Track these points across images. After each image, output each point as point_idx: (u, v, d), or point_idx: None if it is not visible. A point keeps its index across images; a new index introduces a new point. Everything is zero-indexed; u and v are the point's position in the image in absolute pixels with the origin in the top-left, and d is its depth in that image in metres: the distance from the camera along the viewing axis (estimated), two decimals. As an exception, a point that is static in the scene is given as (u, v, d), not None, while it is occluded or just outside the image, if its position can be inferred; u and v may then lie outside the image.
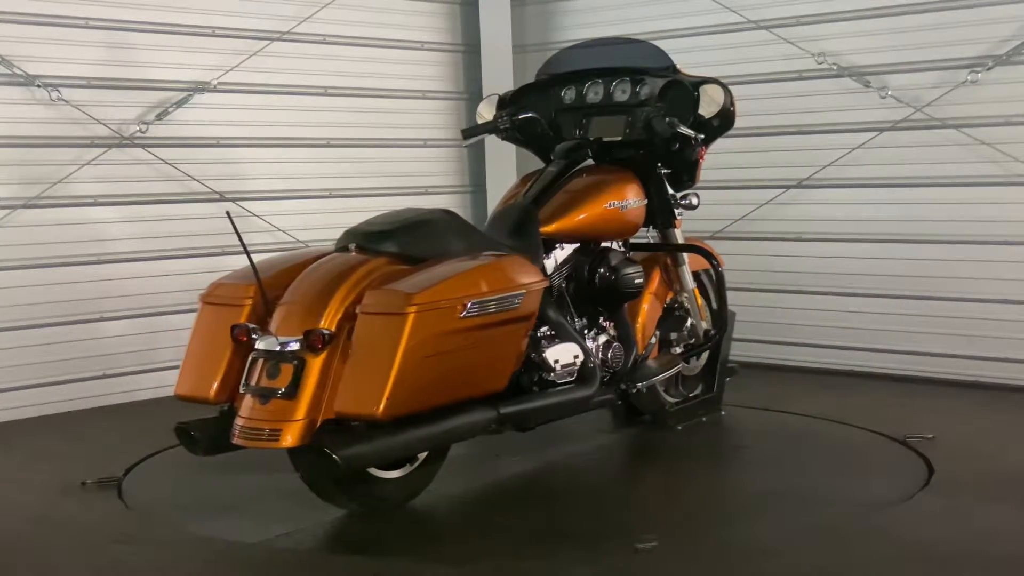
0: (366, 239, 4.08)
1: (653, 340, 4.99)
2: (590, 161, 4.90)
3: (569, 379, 4.34)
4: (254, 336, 3.81)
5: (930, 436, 4.90)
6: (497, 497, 4.49)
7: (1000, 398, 5.82)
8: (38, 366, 5.93)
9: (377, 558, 3.83)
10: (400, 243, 4.04)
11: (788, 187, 6.67)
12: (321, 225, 6.97)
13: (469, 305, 3.79)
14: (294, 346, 3.71)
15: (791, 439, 5.18)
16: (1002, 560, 3.63)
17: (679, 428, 5.14)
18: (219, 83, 6.52)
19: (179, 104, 6.38)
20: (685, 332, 5.16)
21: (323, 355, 3.70)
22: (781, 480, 4.51)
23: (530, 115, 5.01)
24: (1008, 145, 5.90)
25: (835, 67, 6.43)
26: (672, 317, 5.15)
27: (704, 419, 5.29)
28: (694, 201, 5.10)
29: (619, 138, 4.97)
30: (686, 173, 5.06)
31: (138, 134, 6.24)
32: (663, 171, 5.02)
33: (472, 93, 7.62)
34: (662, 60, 5.07)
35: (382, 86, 7.25)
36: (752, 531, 3.99)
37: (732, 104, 4.94)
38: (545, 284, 4.20)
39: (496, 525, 4.14)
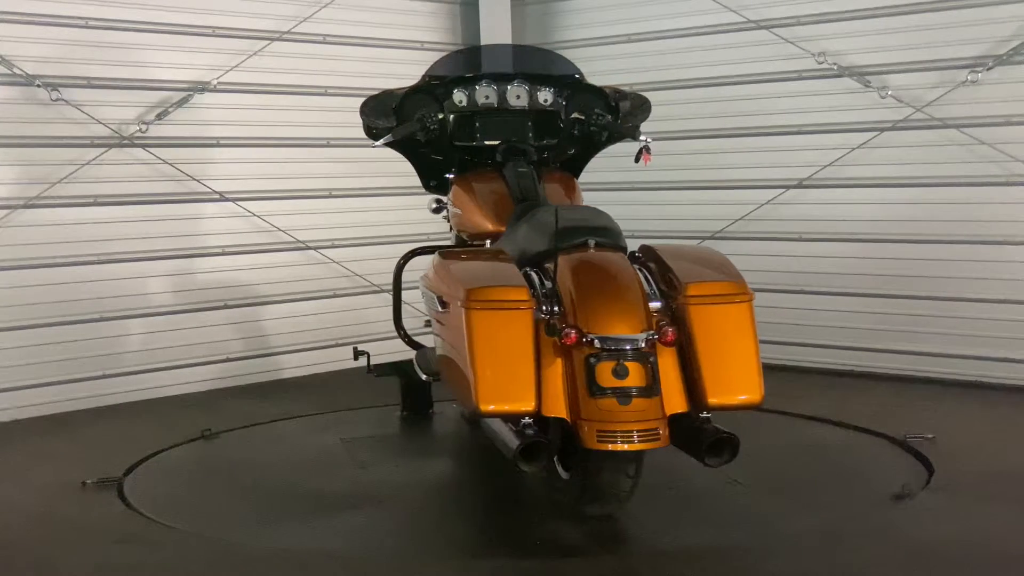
0: (601, 235, 4.02)
1: None
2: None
3: None
4: (586, 337, 3.63)
5: (930, 436, 4.89)
6: (497, 497, 4.49)
7: (1000, 398, 5.82)
8: (38, 366, 5.93)
9: (377, 558, 3.83)
10: (619, 238, 4.07)
11: (788, 187, 6.67)
12: (321, 225, 6.99)
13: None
14: (643, 344, 3.63)
15: (791, 439, 5.17)
16: (1002, 559, 3.63)
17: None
18: (219, 83, 6.51)
19: (179, 104, 6.38)
20: None
21: (668, 349, 3.68)
22: (781, 480, 4.51)
23: (442, 116, 4.94)
24: (1008, 145, 5.91)
25: (835, 67, 6.43)
26: None
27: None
28: None
29: (518, 140, 4.96)
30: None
31: (138, 134, 6.24)
32: None
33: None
34: (567, 68, 5.11)
35: (382, 86, 7.23)
36: (752, 531, 3.99)
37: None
38: None
39: (496, 525, 4.14)
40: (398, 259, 5.23)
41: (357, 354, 5.45)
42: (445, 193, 5.14)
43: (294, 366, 6.82)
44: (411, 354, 5.25)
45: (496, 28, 7.63)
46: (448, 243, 5.27)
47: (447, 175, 5.09)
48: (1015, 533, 3.88)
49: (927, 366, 6.23)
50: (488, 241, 4.67)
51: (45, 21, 5.94)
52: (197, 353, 6.50)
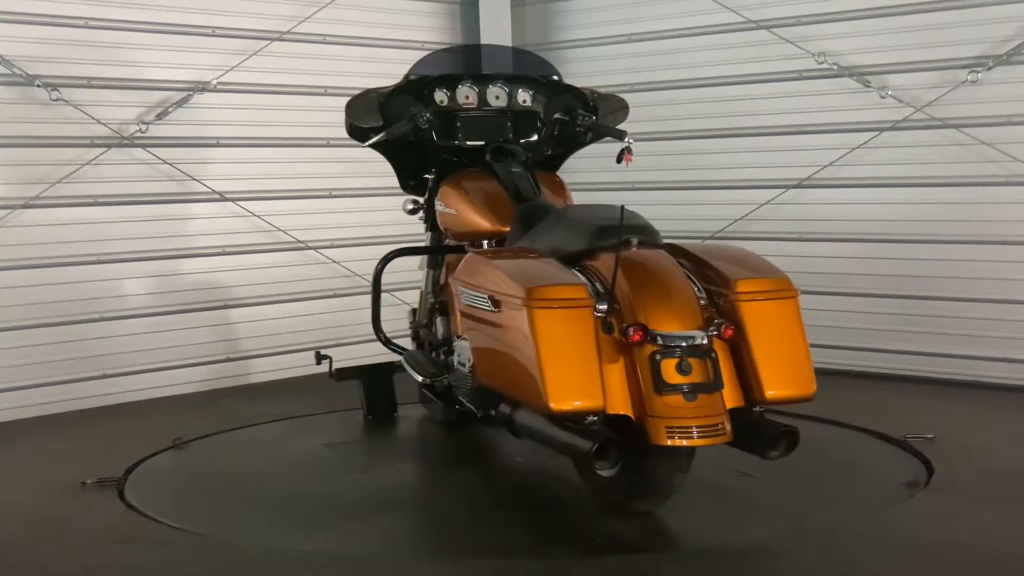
0: (641, 233, 4.02)
1: None
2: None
3: None
4: (650, 335, 3.63)
5: (930, 436, 4.89)
6: (499, 497, 4.49)
7: (1000, 398, 5.83)
8: (38, 366, 5.93)
9: (377, 558, 3.83)
10: (658, 236, 4.09)
11: (788, 187, 6.68)
12: (321, 225, 6.99)
13: None
14: (705, 340, 3.65)
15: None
16: (1002, 559, 3.63)
17: None
18: (219, 83, 6.52)
19: (179, 104, 6.38)
20: None
21: (721, 345, 3.71)
22: (781, 481, 4.50)
23: (429, 115, 4.95)
24: (1008, 145, 5.91)
25: (835, 67, 6.44)
26: None
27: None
28: None
29: (503, 141, 4.99)
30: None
31: (138, 134, 6.24)
32: None
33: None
34: (546, 69, 5.12)
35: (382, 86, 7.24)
36: (752, 532, 3.99)
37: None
38: None
39: (496, 525, 4.13)
40: (376, 262, 5.21)
41: (319, 358, 5.46)
42: (423, 194, 5.15)
43: (295, 366, 6.81)
44: (378, 358, 5.29)
45: (496, 28, 7.63)
46: (424, 245, 5.30)
47: (426, 175, 5.09)
48: (1015, 533, 3.88)
49: (926, 366, 6.23)
50: (485, 242, 4.66)
51: (45, 21, 5.94)
52: (196, 353, 6.50)
